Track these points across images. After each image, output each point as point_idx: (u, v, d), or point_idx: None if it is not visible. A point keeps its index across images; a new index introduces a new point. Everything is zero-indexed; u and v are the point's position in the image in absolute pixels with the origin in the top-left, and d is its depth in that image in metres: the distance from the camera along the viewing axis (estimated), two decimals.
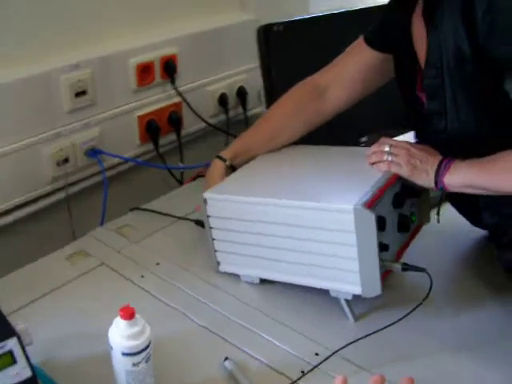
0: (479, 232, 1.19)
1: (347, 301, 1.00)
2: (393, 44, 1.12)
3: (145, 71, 1.40)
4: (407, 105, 1.12)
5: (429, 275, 0.94)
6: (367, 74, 1.19)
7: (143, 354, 0.79)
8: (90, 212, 1.39)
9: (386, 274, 0.97)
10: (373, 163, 1.05)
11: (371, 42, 1.16)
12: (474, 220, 1.16)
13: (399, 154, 1.01)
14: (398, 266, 0.96)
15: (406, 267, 0.96)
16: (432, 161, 0.98)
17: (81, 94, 1.30)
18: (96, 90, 1.32)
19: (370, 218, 0.90)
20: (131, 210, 1.32)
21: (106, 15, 1.35)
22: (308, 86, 1.22)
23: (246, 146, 1.22)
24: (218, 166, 1.18)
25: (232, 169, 1.19)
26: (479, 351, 0.94)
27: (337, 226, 0.94)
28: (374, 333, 0.93)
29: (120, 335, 0.78)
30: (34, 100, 1.24)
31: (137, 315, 0.79)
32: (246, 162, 1.19)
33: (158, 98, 1.46)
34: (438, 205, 1.13)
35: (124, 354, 0.78)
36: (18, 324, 0.79)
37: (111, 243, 1.21)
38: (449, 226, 1.18)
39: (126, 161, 1.43)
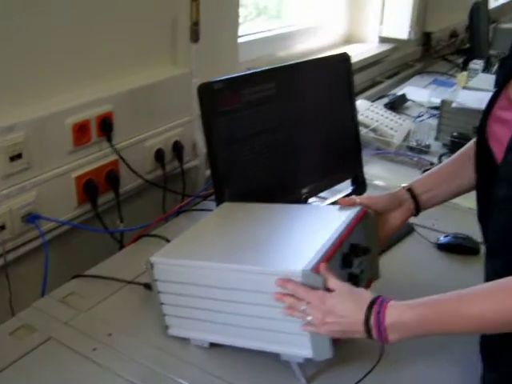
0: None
1: (299, 364, 0.99)
2: None
3: (81, 131, 1.36)
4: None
5: None
6: None
7: None
8: (28, 280, 1.32)
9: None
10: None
11: None
12: None
13: (317, 321, 0.91)
14: None
15: None
16: (355, 321, 0.89)
17: (16, 157, 1.24)
18: (31, 153, 1.27)
19: (318, 283, 0.90)
20: (73, 277, 1.27)
21: (38, 75, 1.30)
22: None
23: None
24: None
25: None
26: None
27: (284, 290, 0.92)
28: None
29: None
30: None
31: None
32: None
33: (94, 157, 1.43)
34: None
35: None
36: None
37: (57, 314, 1.15)
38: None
39: (66, 225, 1.38)
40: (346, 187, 1.62)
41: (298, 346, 0.95)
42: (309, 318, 0.91)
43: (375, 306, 0.88)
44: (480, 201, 1.04)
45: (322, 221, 1.09)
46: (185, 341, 1.07)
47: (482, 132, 1.01)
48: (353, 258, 1.01)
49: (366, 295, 0.91)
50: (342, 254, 0.99)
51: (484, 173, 1.02)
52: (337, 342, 0.94)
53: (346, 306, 0.90)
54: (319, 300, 0.90)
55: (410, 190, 1.19)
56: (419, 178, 1.25)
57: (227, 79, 1.29)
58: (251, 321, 0.98)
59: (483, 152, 1.00)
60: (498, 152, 0.94)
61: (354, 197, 1.14)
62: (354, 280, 1.01)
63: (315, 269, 0.90)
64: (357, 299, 0.90)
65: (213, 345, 1.05)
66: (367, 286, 1.10)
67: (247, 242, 1.07)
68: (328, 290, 0.91)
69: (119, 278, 1.25)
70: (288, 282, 0.91)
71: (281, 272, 0.92)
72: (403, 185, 1.21)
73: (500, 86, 0.99)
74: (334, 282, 0.91)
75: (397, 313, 0.87)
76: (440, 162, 1.88)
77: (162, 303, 1.06)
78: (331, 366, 1.02)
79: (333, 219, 1.05)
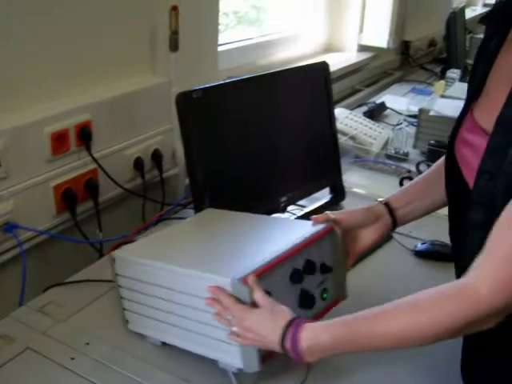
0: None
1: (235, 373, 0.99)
2: None
3: (59, 140, 1.36)
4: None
5: None
6: None
7: None
8: (5, 290, 1.31)
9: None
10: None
11: None
12: None
13: (240, 333, 0.92)
14: None
15: None
16: (272, 341, 0.90)
17: None
18: (9, 162, 1.27)
19: (245, 293, 0.91)
20: (51, 286, 1.26)
21: (16, 83, 1.30)
22: None
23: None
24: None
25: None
26: None
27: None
28: None
29: None
30: None
31: None
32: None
33: (73, 166, 1.42)
34: None
35: None
36: None
37: (35, 324, 1.14)
38: None
39: (44, 234, 1.37)
40: (324, 195, 1.63)
41: (231, 355, 0.95)
42: (234, 329, 0.92)
43: (291, 328, 0.88)
44: (452, 220, 1.04)
45: (287, 234, 1.07)
46: (161, 347, 1.08)
47: (451, 152, 0.99)
48: (305, 273, 1.00)
49: (284, 315, 0.90)
50: (293, 269, 0.98)
51: (455, 195, 1.01)
52: (270, 356, 0.94)
53: (265, 325, 0.90)
54: (241, 315, 0.90)
55: (387, 204, 1.17)
56: (396, 192, 1.23)
57: (206, 88, 1.30)
58: (192, 324, 0.99)
59: (454, 173, 0.98)
60: (469, 176, 0.92)
61: (328, 212, 1.11)
62: (308, 298, 1.00)
63: (243, 280, 0.90)
64: (276, 319, 0.90)
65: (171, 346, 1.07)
66: (333, 305, 1.08)
67: (208, 248, 1.10)
68: (254, 303, 0.91)
69: (97, 279, 1.27)
70: (217, 290, 0.92)
71: (212, 278, 0.94)
72: (380, 199, 1.19)
73: (466, 106, 0.98)
74: (260, 296, 0.91)
75: (313, 335, 0.87)
76: (418, 169, 1.90)
77: (121, 297, 1.09)
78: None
79: (298, 234, 1.04)
